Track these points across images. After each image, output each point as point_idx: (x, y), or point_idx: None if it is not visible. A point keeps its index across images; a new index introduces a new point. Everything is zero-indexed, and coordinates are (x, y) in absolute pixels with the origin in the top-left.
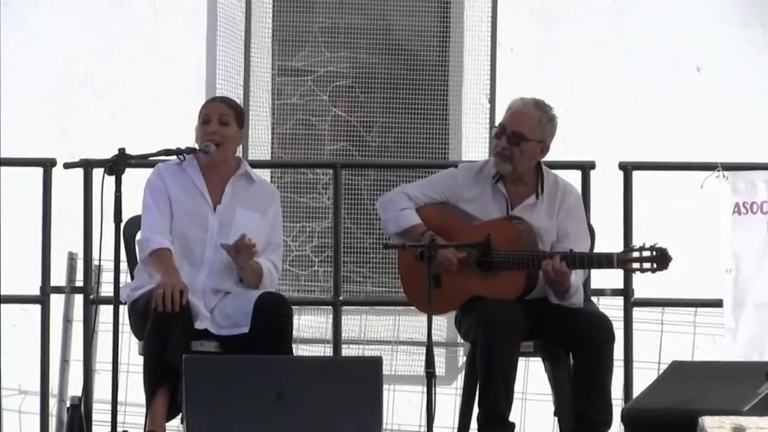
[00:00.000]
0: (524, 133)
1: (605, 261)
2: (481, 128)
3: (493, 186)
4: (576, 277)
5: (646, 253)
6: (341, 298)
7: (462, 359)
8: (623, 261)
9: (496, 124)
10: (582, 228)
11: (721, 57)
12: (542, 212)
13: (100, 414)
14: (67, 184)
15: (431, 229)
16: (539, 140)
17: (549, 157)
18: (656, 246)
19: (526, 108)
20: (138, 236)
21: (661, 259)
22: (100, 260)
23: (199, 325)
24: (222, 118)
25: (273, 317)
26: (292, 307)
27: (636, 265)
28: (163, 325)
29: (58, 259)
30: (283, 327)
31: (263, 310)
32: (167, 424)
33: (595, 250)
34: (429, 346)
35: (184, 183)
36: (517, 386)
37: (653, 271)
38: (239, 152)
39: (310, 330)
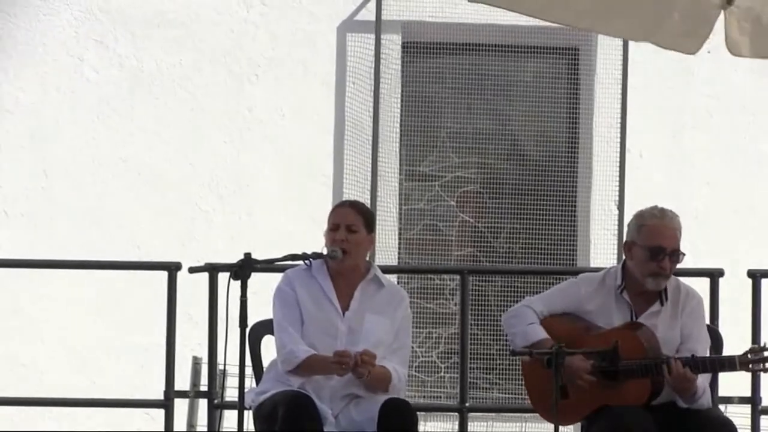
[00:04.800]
0: (680, 248)
1: (727, 363)
2: (609, 234)
3: (617, 296)
4: (702, 379)
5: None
6: (467, 404)
7: None
8: (745, 363)
9: (625, 230)
10: (703, 330)
11: None
12: (666, 318)
13: None
14: (193, 288)
15: (557, 341)
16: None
17: (678, 264)
18: None
19: (672, 222)
20: (278, 353)
21: None
22: (225, 365)
23: (324, 428)
24: (350, 226)
25: (398, 423)
26: (418, 413)
27: (758, 366)
28: (293, 430)
29: (183, 363)
30: None
31: (388, 415)
32: None
33: None
34: None
35: (313, 289)
36: None
37: None
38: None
39: None
